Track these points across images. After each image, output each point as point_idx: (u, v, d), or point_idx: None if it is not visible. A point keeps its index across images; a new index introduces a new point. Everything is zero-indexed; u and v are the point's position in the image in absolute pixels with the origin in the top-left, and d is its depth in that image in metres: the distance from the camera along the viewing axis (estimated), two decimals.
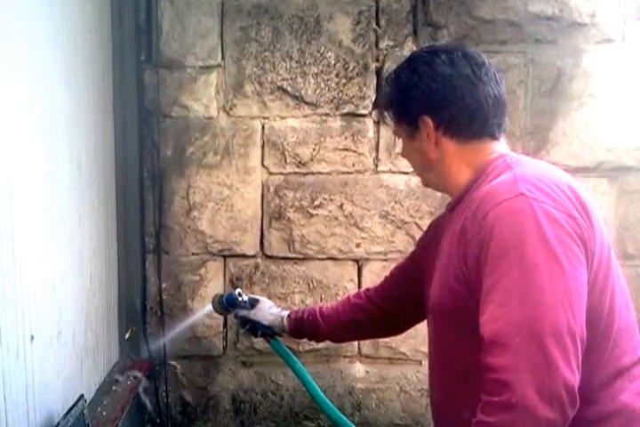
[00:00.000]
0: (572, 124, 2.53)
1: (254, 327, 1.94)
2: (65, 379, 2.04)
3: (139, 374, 2.52)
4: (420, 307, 1.55)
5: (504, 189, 1.23)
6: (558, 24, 2.50)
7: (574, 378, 1.13)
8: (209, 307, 2.04)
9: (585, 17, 2.50)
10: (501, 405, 1.13)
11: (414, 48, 2.52)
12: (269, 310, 1.94)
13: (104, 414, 2.26)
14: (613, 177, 2.55)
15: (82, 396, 2.00)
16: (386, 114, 1.47)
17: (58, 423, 1.80)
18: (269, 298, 2.58)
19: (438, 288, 1.37)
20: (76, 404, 1.93)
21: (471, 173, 1.36)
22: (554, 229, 1.17)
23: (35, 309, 1.79)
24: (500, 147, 1.39)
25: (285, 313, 1.93)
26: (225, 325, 2.67)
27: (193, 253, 2.62)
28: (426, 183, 1.50)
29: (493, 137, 1.39)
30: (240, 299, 1.94)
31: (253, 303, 1.95)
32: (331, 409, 1.88)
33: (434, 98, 1.35)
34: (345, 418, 1.87)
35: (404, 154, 1.48)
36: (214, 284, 2.64)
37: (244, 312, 1.94)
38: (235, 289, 1.98)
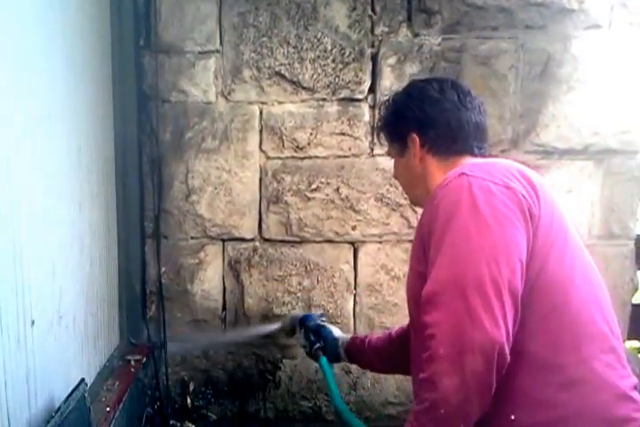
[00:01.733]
0: (560, 107, 2.39)
1: (317, 350, 1.82)
2: (66, 364, 1.90)
3: (139, 358, 2.35)
4: None
5: (451, 174, 1.27)
6: (548, 10, 2.35)
7: (498, 331, 1.09)
8: (275, 325, 1.98)
9: (574, 3, 2.34)
10: (431, 358, 1.12)
11: (408, 34, 2.36)
12: (334, 335, 1.84)
13: (105, 397, 2.11)
14: (599, 159, 2.41)
15: (82, 380, 1.84)
16: (382, 135, 1.54)
17: (59, 408, 1.65)
18: (267, 280, 2.47)
19: (409, 277, 1.36)
20: (76, 388, 1.78)
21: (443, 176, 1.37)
22: (486, 197, 1.18)
23: (35, 293, 1.64)
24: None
25: (347, 340, 1.83)
26: (224, 308, 2.49)
27: (192, 238, 2.44)
28: (414, 201, 1.55)
29: (473, 154, 1.42)
30: (316, 320, 1.87)
31: (323, 327, 1.86)
32: None
33: (423, 117, 1.41)
34: None
35: (395, 175, 1.55)
36: (213, 267, 2.45)
37: (313, 337, 1.84)
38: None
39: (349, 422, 1.74)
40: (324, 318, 1.91)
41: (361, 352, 1.80)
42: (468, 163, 1.31)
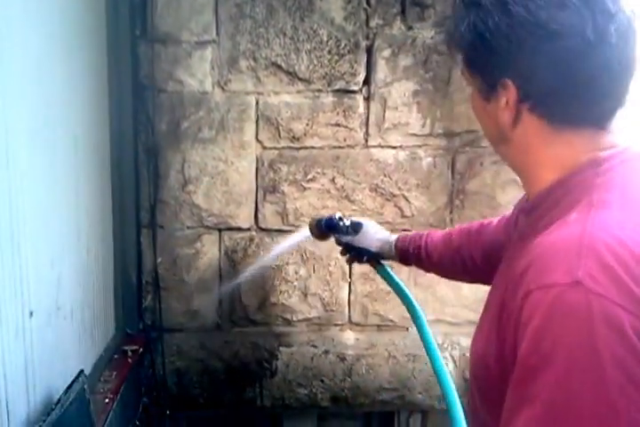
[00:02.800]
0: None
1: (360, 254, 1.59)
2: (64, 355, 1.78)
3: (135, 348, 2.21)
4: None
5: (560, 263, 0.75)
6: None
7: None
8: (305, 232, 1.64)
9: None
10: None
11: (402, 27, 2.25)
12: (375, 236, 1.57)
13: (102, 388, 2.00)
14: None
15: (82, 371, 1.74)
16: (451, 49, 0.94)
17: (59, 400, 1.55)
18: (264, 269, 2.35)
19: (477, 336, 0.94)
20: (76, 379, 1.68)
21: (554, 175, 0.88)
22: (616, 350, 0.69)
23: (33, 284, 1.53)
24: (604, 140, 0.87)
25: (393, 239, 1.56)
26: (220, 297, 2.35)
27: (188, 227, 2.29)
28: (501, 156, 0.99)
29: (599, 126, 0.87)
30: (341, 224, 1.57)
31: (356, 228, 1.58)
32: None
33: (524, 58, 0.84)
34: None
35: (474, 109, 0.97)
36: (210, 257, 2.32)
37: (347, 238, 1.57)
38: (335, 213, 1.60)
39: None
40: (345, 220, 1.60)
41: (418, 260, 1.53)
42: (590, 216, 0.79)
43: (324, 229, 1.60)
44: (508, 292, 0.81)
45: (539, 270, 0.77)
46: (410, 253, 1.53)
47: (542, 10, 0.81)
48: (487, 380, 0.86)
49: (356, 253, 1.60)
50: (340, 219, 1.59)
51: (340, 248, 1.65)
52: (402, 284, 1.58)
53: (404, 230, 1.51)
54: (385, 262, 1.61)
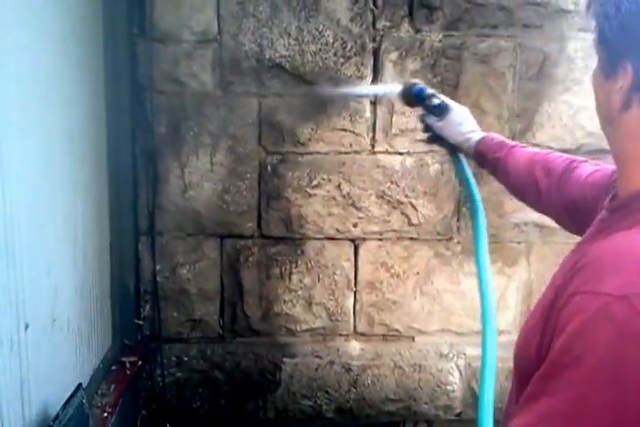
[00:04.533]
0: (555, 107, 2.24)
1: (437, 138, 1.50)
2: (60, 368, 1.69)
3: (133, 360, 2.10)
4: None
5: (616, 273, 0.73)
6: (545, 10, 2.20)
7: None
8: (396, 88, 1.52)
9: (569, 4, 2.19)
10: None
11: (410, 30, 2.16)
12: (459, 127, 1.47)
13: (100, 402, 1.90)
14: (593, 159, 2.28)
15: (80, 385, 1.66)
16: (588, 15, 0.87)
17: (57, 416, 1.49)
18: (267, 278, 2.24)
19: (522, 332, 0.89)
20: (74, 394, 1.60)
21: None
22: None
23: (29, 295, 1.45)
24: None
25: (476, 139, 1.46)
26: (221, 306, 2.25)
27: (188, 234, 2.18)
28: (606, 137, 0.92)
29: None
30: (429, 100, 1.47)
31: (442, 111, 1.47)
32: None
33: None
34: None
35: (592, 82, 0.93)
36: (211, 265, 2.20)
37: (430, 119, 1.48)
38: (428, 87, 1.49)
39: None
40: (435, 99, 1.48)
41: (494, 170, 1.45)
42: None
43: (412, 96, 1.50)
44: (564, 284, 0.79)
45: (594, 274, 0.75)
46: (487, 161, 1.46)
47: None
48: (526, 368, 0.83)
49: (434, 136, 1.52)
50: (432, 96, 1.48)
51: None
52: (473, 182, 1.48)
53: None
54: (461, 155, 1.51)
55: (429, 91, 1.50)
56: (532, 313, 0.88)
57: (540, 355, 0.78)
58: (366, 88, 2.10)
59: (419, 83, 1.53)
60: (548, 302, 0.81)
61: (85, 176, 1.88)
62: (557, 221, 1.34)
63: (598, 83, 0.89)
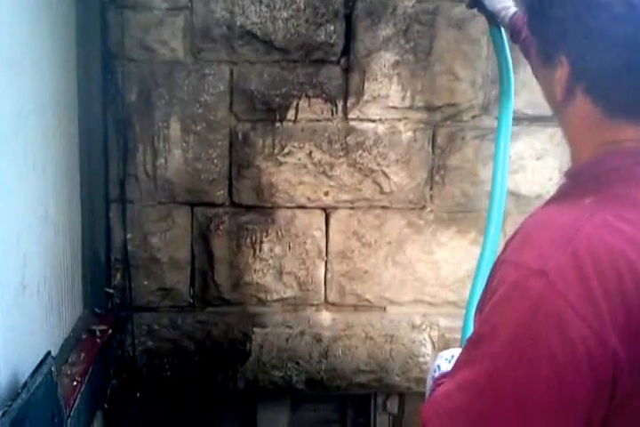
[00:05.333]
0: (530, 73, 2.58)
1: (476, 3, 1.81)
2: (30, 335, 1.97)
3: (104, 328, 2.45)
4: None
5: (540, 245, 0.85)
6: None
7: None
8: None
9: None
10: None
11: None
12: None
13: (70, 370, 2.21)
14: None
15: (49, 353, 1.92)
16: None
17: (25, 383, 1.70)
18: (237, 247, 2.62)
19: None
20: (43, 362, 1.85)
21: (597, 152, 0.94)
22: (553, 349, 0.79)
23: None
24: None
25: (512, 10, 1.71)
26: (192, 275, 2.64)
27: (159, 203, 2.57)
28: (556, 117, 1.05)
29: None
30: None
31: None
32: None
33: (583, 32, 0.87)
34: None
35: (531, 67, 1.10)
36: (181, 233, 2.59)
37: None
38: None
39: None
40: None
41: (521, 47, 1.67)
42: (598, 205, 0.87)
43: None
44: (502, 250, 0.94)
45: (521, 244, 0.88)
46: (520, 40, 1.67)
47: None
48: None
49: (473, 2, 1.81)
50: None
51: None
52: (509, 62, 1.83)
53: None
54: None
55: None
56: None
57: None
58: None
59: None
60: (491, 269, 0.95)
61: (56, 145, 2.20)
62: None
63: (539, 71, 1.01)
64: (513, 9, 1.73)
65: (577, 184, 0.95)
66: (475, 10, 1.95)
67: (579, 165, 0.97)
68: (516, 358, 0.81)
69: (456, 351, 1.39)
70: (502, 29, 1.84)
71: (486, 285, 0.94)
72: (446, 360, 1.38)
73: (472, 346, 0.89)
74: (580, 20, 0.87)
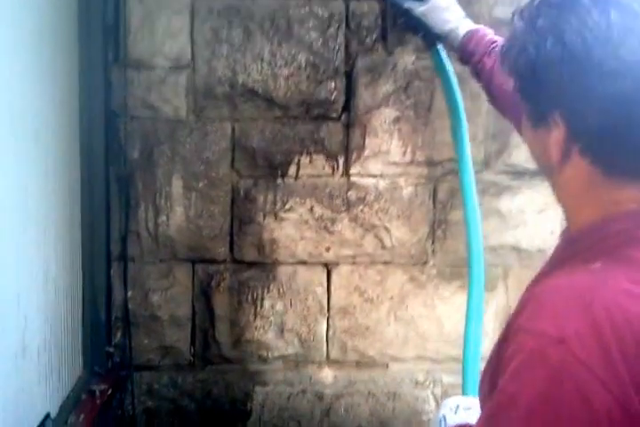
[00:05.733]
0: None
1: (417, 26, 1.62)
2: (29, 398, 2.03)
3: (104, 388, 2.51)
4: None
5: (556, 312, 0.88)
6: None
7: None
8: None
9: None
10: None
11: (383, 52, 2.65)
12: (445, 15, 1.58)
13: None
14: None
15: (48, 415, 2.00)
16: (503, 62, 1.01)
17: None
18: (238, 303, 2.79)
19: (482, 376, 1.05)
20: (42, 425, 1.94)
21: (596, 216, 0.97)
22: (577, 417, 0.82)
23: None
24: None
25: (462, 31, 1.59)
26: (193, 332, 2.74)
27: (160, 260, 2.64)
28: (547, 180, 1.07)
29: None
30: None
31: None
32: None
33: (576, 92, 0.89)
34: None
35: (522, 132, 1.07)
36: (182, 291, 2.67)
37: (410, 4, 1.59)
38: None
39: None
40: None
41: (473, 69, 1.61)
42: (607, 275, 0.89)
43: None
44: (514, 316, 0.96)
45: (535, 311, 0.90)
46: (471, 61, 1.61)
47: (600, 44, 0.86)
48: (482, 399, 1.05)
49: (413, 24, 1.62)
50: None
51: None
52: (453, 80, 1.70)
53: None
54: (439, 45, 1.68)
55: None
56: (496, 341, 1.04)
57: (491, 387, 0.94)
58: None
59: None
60: (502, 333, 0.97)
61: (58, 203, 2.28)
62: None
63: (530, 134, 1.02)
64: (461, 28, 1.62)
65: (579, 248, 0.97)
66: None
67: (578, 227, 0.99)
68: (539, 425, 0.83)
69: (460, 400, 1.46)
70: (442, 50, 1.71)
71: (497, 350, 0.97)
72: (451, 410, 1.44)
73: (489, 415, 0.92)
74: (575, 81, 0.88)
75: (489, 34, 1.61)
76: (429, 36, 1.66)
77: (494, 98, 1.64)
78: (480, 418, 0.96)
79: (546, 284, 0.95)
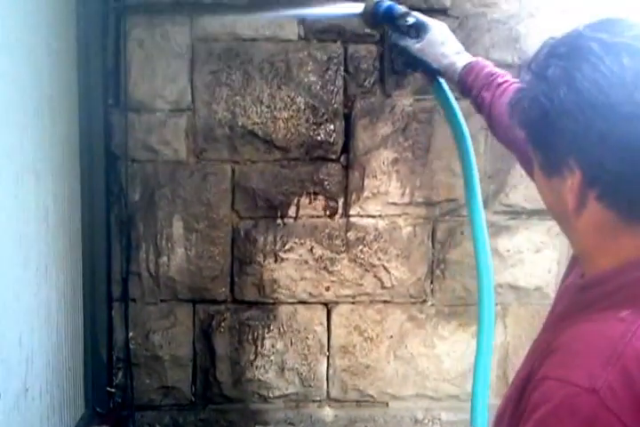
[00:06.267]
0: None
1: (416, 63, 1.57)
2: None
3: None
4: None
5: (587, 361, 0.85)
6: (516, 71, 2.76)
7: None
8: (357, 8, 1.62)
9: None
10: None
11: (381, 95, 2.66)
12: (441, 49, 1.53)
13: None
14: None
15: None
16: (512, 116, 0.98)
17: None
18: (239, 343, 2.75)
19: (501, 405, 1.01)
20: None
21: (616, 263, 0.93)
22: None
23: (1, 365, 1.78)
24: None
25: (459, 65, 1.54)
26: (194, 372, 2.71)
27: (161, 300, 2.62)
28: (560, 228, 1.03)
29: None
30: (402, 20, 1.53)
31: (420, 31, 1.53)
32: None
33: (601, 143, 0.86)
34: None
35: (535, 182, 1.03)
36: (183, 331, 2.64)
37: (405, 42, 1.54)
38: (399, 5, 1.55)
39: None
40: (409, 17, 1.53)
41: (474, 104, 1.56)
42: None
43: (379, 17, 1.56)
44: (538, 364, 0.92)
45: (564, 360, 0.87)
46: (471, 95, 1.56)
47: (615, 89, 0.84)
48: None
49: (412, 61, 1.58)
50: (405, 15, 1.53)
51: None
52: (459, 114, 1.63)
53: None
54: (441, 79, 1.62)
55: (400, 9, 1.54)
56: (510, 387, 1.02)
57: None
58: (325, 9, 2.12)
59: (382, 2, 1.57)
60: (521, 381, 0.94)
61: (59, 245, 2.27)
62: None
63: (543, 183, 0.98)
64: (459, 62, 1.57)
65: (601, 294, 0.93)
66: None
67: (597, 272, 0.95)
68: None
69: None
70: (444, 84, 1.66)
71: (514, 400, 0.94)
72: None
73: None
74: (591, 127, 0.85)
75: (487, 66, 1.57)
76: (429, 72, 1.61)
77: (495, 130, 1.60)
78: None
79: (573, 332, 0.91)
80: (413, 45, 1.56)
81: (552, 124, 0.89)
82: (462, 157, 1.69)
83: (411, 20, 1.54)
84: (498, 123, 1.53)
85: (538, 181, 1.01)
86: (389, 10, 1.56)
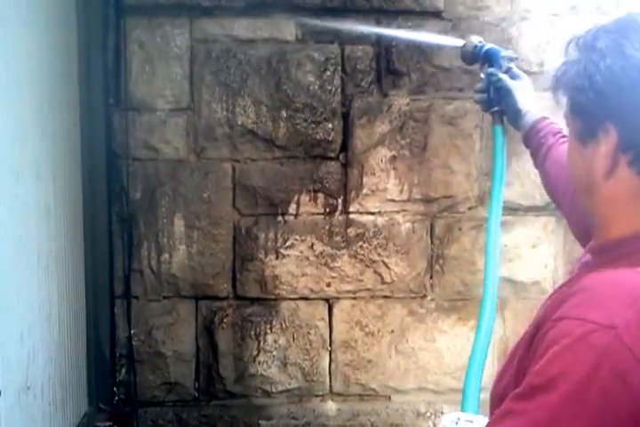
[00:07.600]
0: (523, 165, 2.60)
1: (499, 99, 1.57)
2: None
3: (108, 424, 2.40)
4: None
5: (606, 303, 0.85)
6: (510, 72, 2.65)
7: None
8: (458, 42, 1.68)
9: (534, 66, 2.60)
10: None
11: (378, 94, 2.58)
12: (521, 100, 1.55)
13: None
14: (560, 216, 2.69)
15: None
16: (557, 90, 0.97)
17: None
18: (241, 339, 2.62)
19: (500, 375, 1.00)
20: None
21: (634, 228, 0.94)
22: (612, 403, 0.79)
23: (2, 361, 1.71)
24: None
25: (528, 121, 1.54)
26: (197, 368, 2.59)
27: (164, 297, 2.52)
28: (582, 205, 1.05)
29: None
30: (503, 62, 1.57)
31: (514, 76, 1.57)
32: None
33: (633, 105, 0.87)
34: None
35: (568, 154, 1.04)
36: (186, 327, 2.54)
37: (501, 83, 1.55)
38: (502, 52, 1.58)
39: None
40: (507, 63, 1.57)
41: (532, 153, 1.55)
42: None
43: (482, 54, 1.60)
44: (550, 313, 0.90)
45: (584, 301, 0.86)
46: (530, 146, 1.56)
47: None
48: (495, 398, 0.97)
49: (497, 95, 1.59)
50: (510, 59, 1.58)
51: None
52: (504, 164, 1.58)
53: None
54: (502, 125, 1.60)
55: (507, 52, 1.60)
56: (509, 354, 0.99)
57: (517, 383, 0.88)
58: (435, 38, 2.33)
59: (485, 43, 1.62)
60: (529, 336, 0.91)
61: (61, 243, 2.19)
62: None
63: (577, 153, 0.98)
64: (534, 111, 1.58)
65: (620, 256, 0.94)
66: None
67: (617, 235, 0.95)
68: (577, 410, 0.79)
69: (460, 414, 1.32)
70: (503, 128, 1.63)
71: (526, 343, 0.91)
72: (452, 422, 1.28)
73: (521, 398, 0.84)
74: (634, 92, 0.86)
75: (554, 122, 1.55)
76: (500, 112, 1.61)
77: (547, 188, 1.58)
78: (505, 404, 0.88)
79: (592, 279, 0.91)
80: (510, 80, 1.57)
81: (597, 89, 0.90)
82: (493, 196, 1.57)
83: (508, 65, 1.59)
84: (551, 172, 1.51)
85: (571, 154, 1.01)
86: (494, 50, 1.61)
